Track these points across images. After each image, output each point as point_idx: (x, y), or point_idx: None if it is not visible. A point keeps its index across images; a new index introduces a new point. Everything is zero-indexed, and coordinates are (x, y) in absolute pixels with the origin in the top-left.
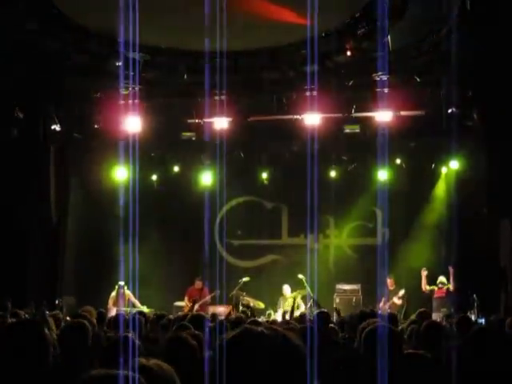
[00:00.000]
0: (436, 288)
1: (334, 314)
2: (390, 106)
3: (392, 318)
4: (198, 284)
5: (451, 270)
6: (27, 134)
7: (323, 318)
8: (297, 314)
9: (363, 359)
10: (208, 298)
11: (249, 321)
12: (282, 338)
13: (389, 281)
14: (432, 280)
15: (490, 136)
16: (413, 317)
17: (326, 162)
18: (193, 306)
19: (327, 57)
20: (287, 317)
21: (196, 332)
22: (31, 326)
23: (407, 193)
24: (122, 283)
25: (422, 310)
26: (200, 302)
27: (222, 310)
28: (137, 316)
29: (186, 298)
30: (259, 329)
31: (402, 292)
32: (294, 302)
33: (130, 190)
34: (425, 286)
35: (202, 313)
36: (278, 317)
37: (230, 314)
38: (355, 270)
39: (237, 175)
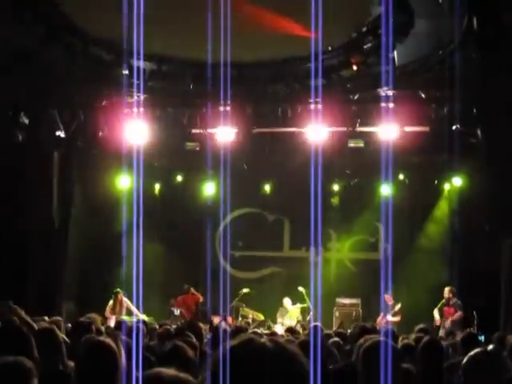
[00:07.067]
0: (444, 303)
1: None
2: (394, 122)
3: (391, 334)
4: (193, 293)
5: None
6: (31, 139)
7: (318, 331)
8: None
9: (360, 372)
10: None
11: (249, 331)
12: (285, 352)
13: (386, 297)
14: (436, 296)
15: (494, 154)
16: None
17: (330, 175)
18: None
19: (333, 71)
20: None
21: (194, 341)
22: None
23: (410, 208)
24: (119, 290)
25: (421, 326)
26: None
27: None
28: (141, 325)
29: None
30: (262, 340)
31: (398, 306)
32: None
33: (132, 198)
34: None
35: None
36: (277, 329)
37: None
38: (356, 284)
39: (240, 186)
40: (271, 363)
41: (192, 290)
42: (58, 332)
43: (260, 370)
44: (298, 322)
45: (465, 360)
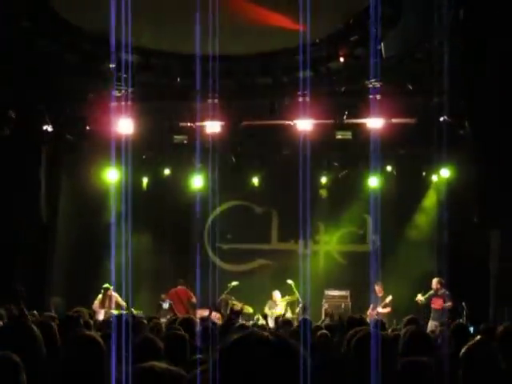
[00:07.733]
0: (432, 294)
1: (326, 318)
2: (381, 113)
3: (380, 325)
4: (187, 290)
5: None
6: (19, 133)
7: (306, 324)
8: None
9: (350, 362)
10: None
11: (236, 325)
12: (286, 344)
13: (377, 288)
14: (425, 287)
15: (481, 145)
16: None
17: (318, 167)
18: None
19: (320, 63)
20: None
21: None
22: (20, 325)
23: (398, 200)
24: (107, 285)
25: (410, 317)
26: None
27: (207, 314)
28: (130, 318)
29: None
30: (264, 333)
31: (389, 298)
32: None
33: (120, 191)
34: (420, 299)
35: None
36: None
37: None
38: (344, 276)
39: (228, 179)
40: (272, 355)
41: (186, 287)
42: (57, 335)
43: (261, 362)
44: (285, 314)
45: (464, 350)
